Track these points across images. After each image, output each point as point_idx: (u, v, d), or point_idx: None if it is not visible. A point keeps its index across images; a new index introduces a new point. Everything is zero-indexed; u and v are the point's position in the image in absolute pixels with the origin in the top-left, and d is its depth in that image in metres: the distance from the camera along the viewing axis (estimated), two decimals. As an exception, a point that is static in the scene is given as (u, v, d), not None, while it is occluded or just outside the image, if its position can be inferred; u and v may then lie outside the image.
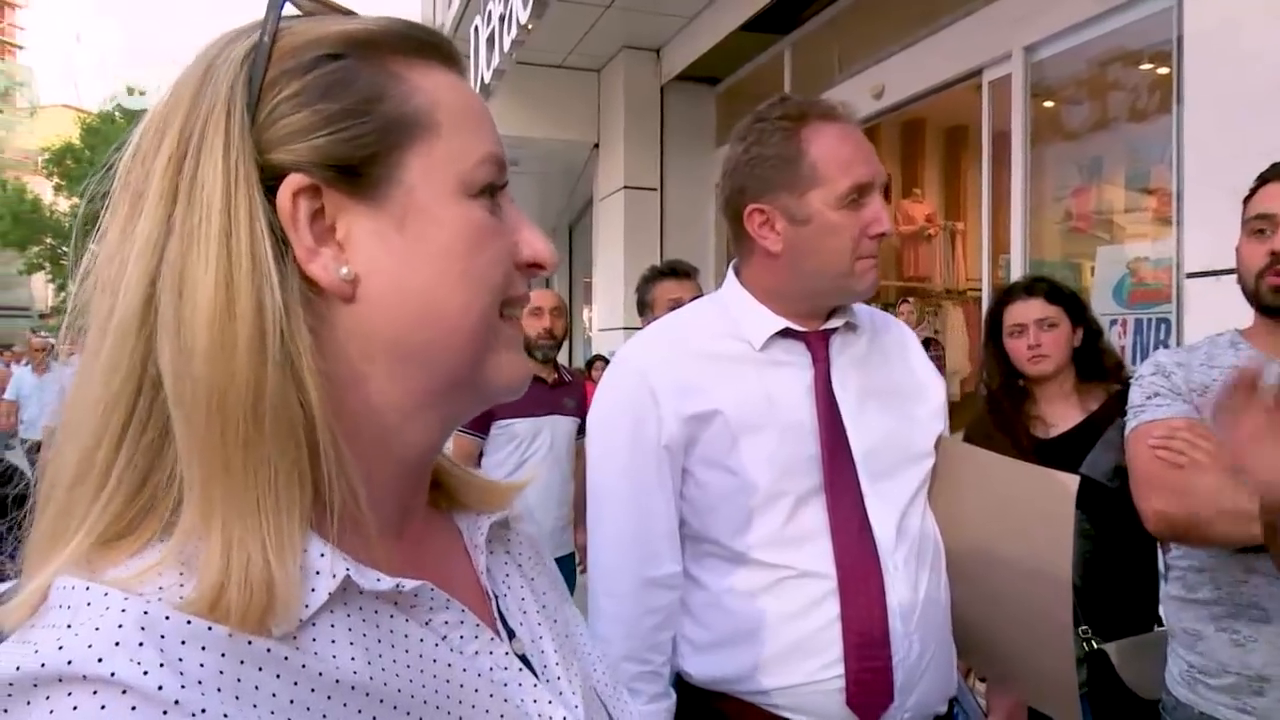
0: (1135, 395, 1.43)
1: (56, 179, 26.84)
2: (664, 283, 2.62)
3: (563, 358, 3.32)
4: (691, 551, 1.16)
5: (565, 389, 3.03)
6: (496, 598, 0.55)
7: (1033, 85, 3.63)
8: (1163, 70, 3.09)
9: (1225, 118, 2.38)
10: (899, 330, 1.29)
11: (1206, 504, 1.25)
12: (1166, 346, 2.88)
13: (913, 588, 1.12)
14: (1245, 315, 1.42)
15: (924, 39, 4.08)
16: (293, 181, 0.44)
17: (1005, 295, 1.99)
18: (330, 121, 0.45)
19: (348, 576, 0.43)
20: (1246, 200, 1.36)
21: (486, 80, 5.04)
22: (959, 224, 6.10)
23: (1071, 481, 1.07)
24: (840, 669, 1.08)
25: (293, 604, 0.41)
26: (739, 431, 1.12)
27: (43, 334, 8.89)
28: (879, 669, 1.08)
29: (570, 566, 3.01)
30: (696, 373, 1.15)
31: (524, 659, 0.53)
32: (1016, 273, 3.58)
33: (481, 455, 2.90)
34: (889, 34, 4.38)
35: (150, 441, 0.42)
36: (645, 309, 2.67)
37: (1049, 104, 3.80)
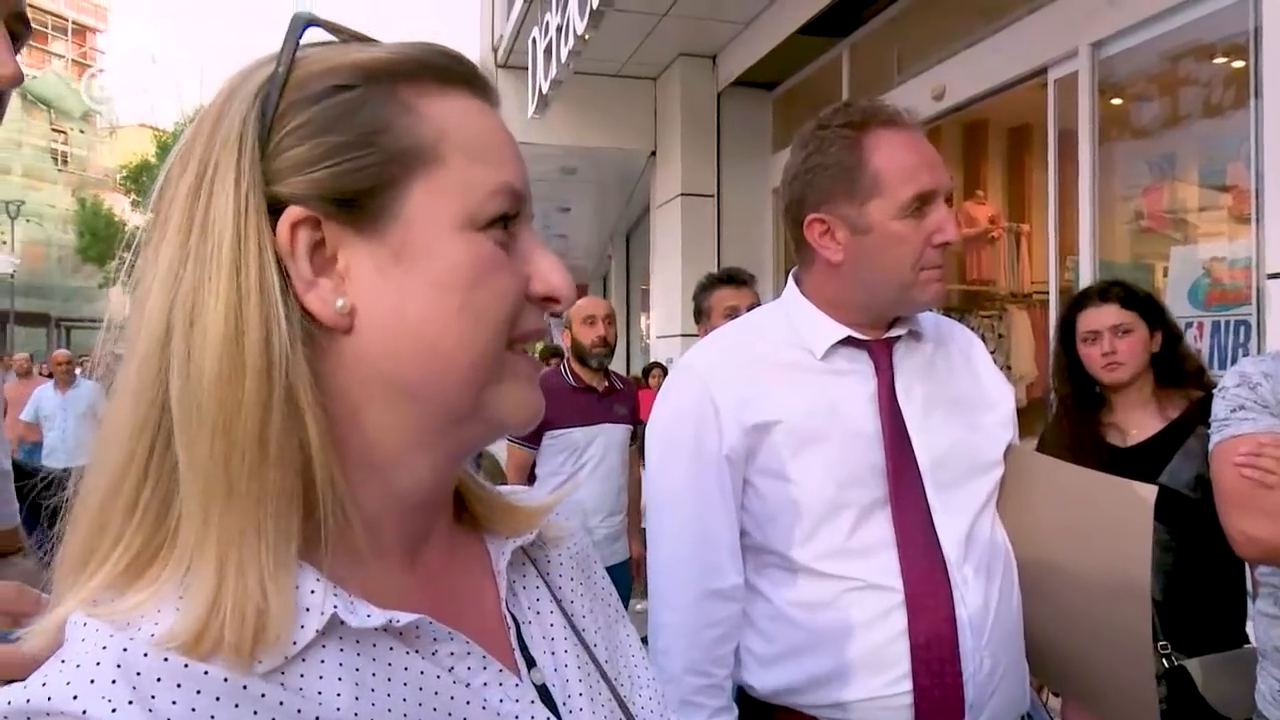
0: (1219, 408, 1.37)
1: (134, 195, 27.94)
2: (721, 290, 2.61)
3: (620, 365, 3.33)
4: (754, 563, 1.15)
5: (617, 396, 3.03)
6: (519, 624, 0.54)
7: (1100, 82, 3.53)
8: (1239, 64, 2.98)
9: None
10: (964, 337, 1.26)
11: None
12: (1246, 350, 2.77)
13: (983, 601, 1.09)
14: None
15: (986, 38, 4.00)
16: (291, 214, 0.45)
17: (1078, 301, 1.93)
18: (331, 154, 0.45)
19: (335, 614, 0.43)
20: None
21: (545, 91, 5.09)
22: (1024, 225, 5.94)
23: (1150, 492, 1.03)
24: (908, 684, 1.06)
25: (283, 636, 0.41)
26: (801, 441, 1.10)
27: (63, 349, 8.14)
28: (949, 685, 1.05)
29: (624, 575, 3.00)
30: (758, 382, 1.14)
31: (544, 689, 0.52)
32: (1085, 274, 3.48)
33: (535, 465, 2.92)
34: (949, 33, 4.30)
35: (173, 468, 0.43)
36: (702, 316, 2.66)
37: (1117, 101, 3.69)
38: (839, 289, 1.14)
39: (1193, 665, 1.60)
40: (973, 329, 5.47)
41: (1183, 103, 3.57)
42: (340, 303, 0.45)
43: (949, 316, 4.89)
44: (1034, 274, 5.87)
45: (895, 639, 1.06)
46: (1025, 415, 3.25)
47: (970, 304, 5.87)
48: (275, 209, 0.45)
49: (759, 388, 1.13)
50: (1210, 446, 1.36)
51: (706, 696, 1.12)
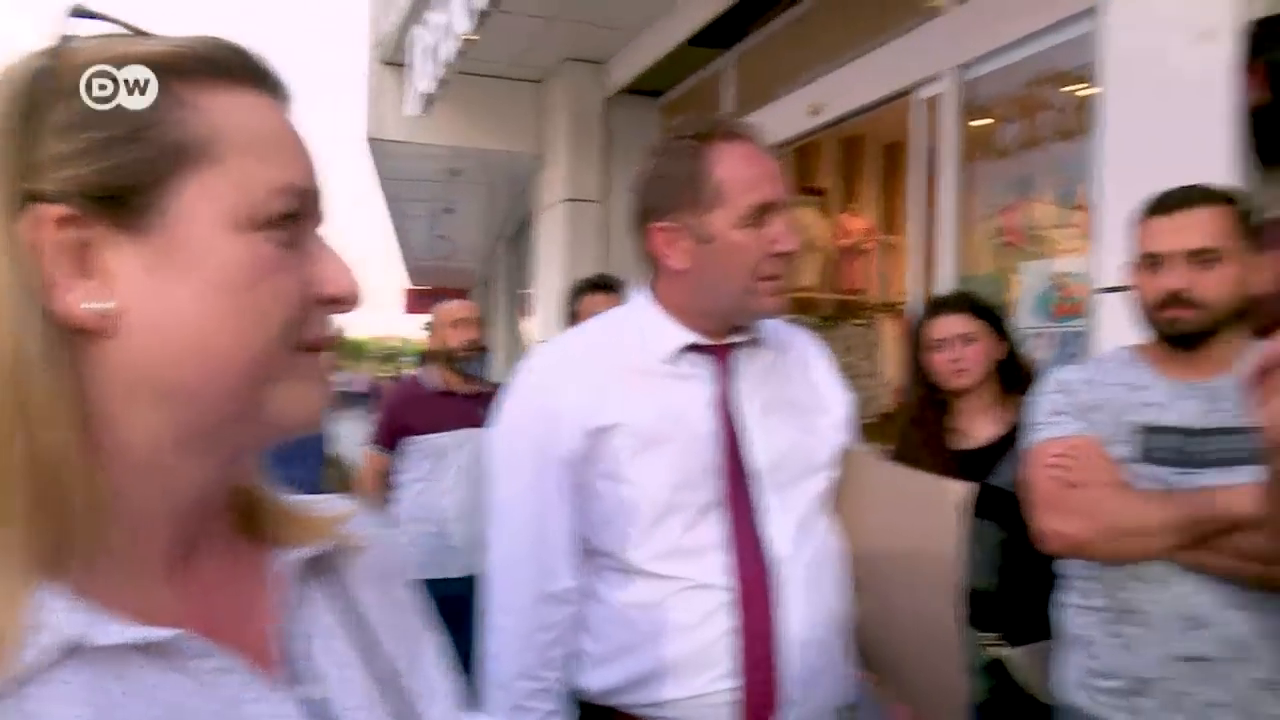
0: (1036, 412, 1.47)
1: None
2: (591, 296, 2.61)
3: (502, 369, 3.29)
4: (589, 565, 1.16)
5: (480, 401, 2.98)
6: (298, 637, 0.52)
7: (966, 104, 3.71)
8: (1086, 91, 3.18)
9: (1142, 139, 2.45)
10: (805, 345, 1.32)
11: (1108, 525, 1.30)
12: (1075, 360, 2.96)
13: (808, 599, 1.13)
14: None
15: (859, 57, 4.15)
16: (45, 212, 0.42)
17: (928, 310, 2.02)
18: (95, 149, 0.43)
19: (77, 632, 0.41)
20: (1137, 225, 1.41)
21: (427, 90, 4.99)
22: (895, 238, 6.20)
23: (960, 489, 1.09)
24: (732, 681, 1.09)
25: (6, 658, 0.39)
26: (641, 445, 1.12)
27: None
28: (768, 681, 1.09)
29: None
30: (601, 386, 1.15)
31: (324, 702, 0.50)
32: (947, 286, 3.65)
33: (396, 470, 2.85)
34: (825, 52, 4.45)
35: None
36: (573, 321, 2.65)
37: (981, 122, 3.89)
38: (684, 296, 1.17)
39: (1010, 654, 1.71)
40: (842, 336, 5.61)
41: (1039, 126, 3.79)
42: (99, 305, 0.43)
43: (826, 324, 5.04)
44: (903, 284, 6.14)
45: (720, 637, 1.10)
46: (894, 419, 3.35)
47: (844, 312, 6.08)
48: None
49: (602, 392, 1.14)
50: (1026, 448, 1.45)
51: (538, 700, 1.13)
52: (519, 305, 9.05)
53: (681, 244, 1.13)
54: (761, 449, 1.15)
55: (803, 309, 5.95)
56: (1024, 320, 3.49)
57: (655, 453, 1.11)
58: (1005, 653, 1.74)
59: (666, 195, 1.13)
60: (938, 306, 2.00)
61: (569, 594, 1.14)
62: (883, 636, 1.24)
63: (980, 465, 1.80)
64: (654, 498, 1.10)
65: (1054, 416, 1.42)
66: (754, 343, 1.21)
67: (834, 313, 6.11)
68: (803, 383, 1.26)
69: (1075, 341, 3.15)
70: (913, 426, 2.01)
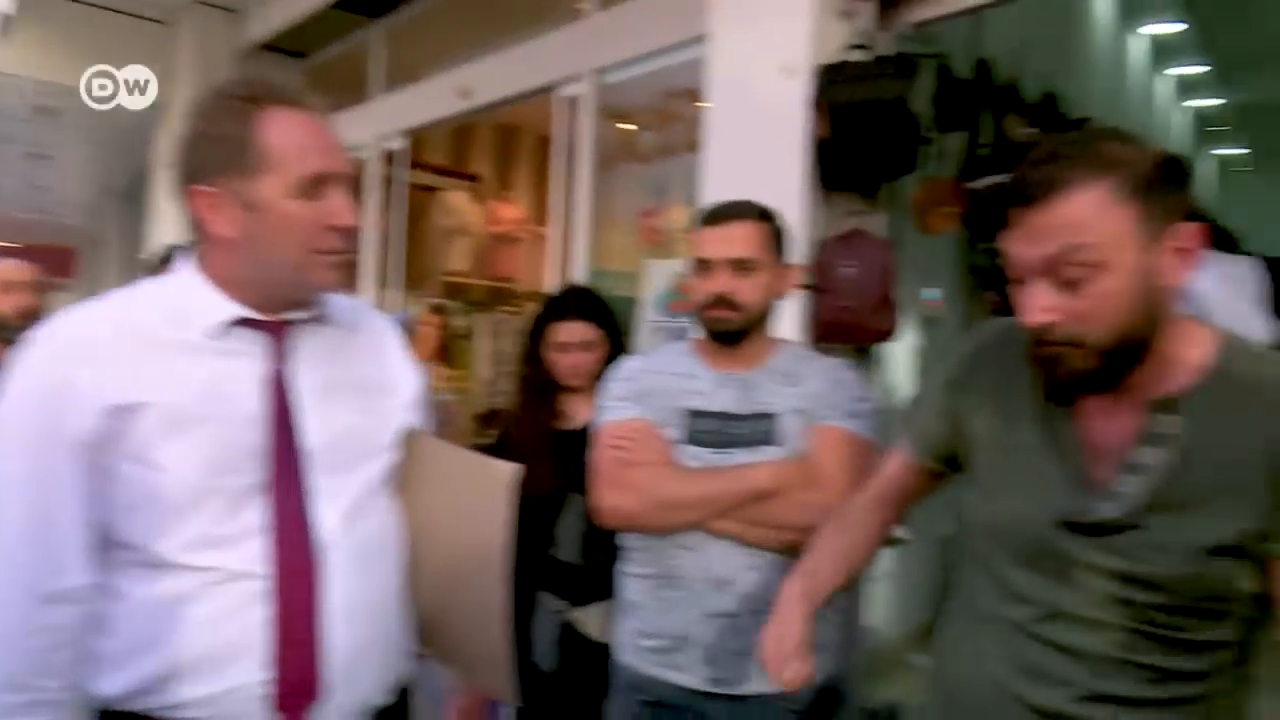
0: (604, 397, 1.59)
1: None
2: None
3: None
4: (109, 559, 1.05)
5: None
6: None
7: (602, 106, 3.90)
8: (701, 106, 3.49)
9: (735, 157, 2.73)
10: (379, 325, 1.29)
11: (655, 499, 1.44)
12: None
13: (356, 584, 1.11)
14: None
15: (507, 48, 4.20)
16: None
17: (552, 311, 2.08)
18: None
19: None
20: (694, 233, 1.57)
21: (4, 10, 4.22)
22: (543, 229, 6.40)
23: (507, 469, 1.14)
24: (265, 674, 1.04)
25: None
26: (173, 425, 1.03)
27: None
28: (306, 670, 1.06)
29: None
30: (128, 360, 1.03)
31: None
32: (581, 280, 3.81)
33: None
34: (475, 38, 4.45)
35: None
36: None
37: (625, 126, 4.12)
38: (233, 266, 1.09)
39: (579, 614, 1.85)
40: (493, 322, 5.61)
41: (666, 135, 4.10)
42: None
43: (478, 311, 4.99)
44: (550, 276, 6.35)
45: (253, 628, 1.04)
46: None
47: (495, 299, 6.15)
48: None
49: (129, 366, 1.03)
50: (594, 431, 1.57)
51: (31, 714, 0.99)
52: (137, 269, 8.02)
53: (227, 211, 1.04)
54: (315, 430, 1.10)
55: (454, 293, 5.93)
56: (650, 314, 3.74)
57: (190, 434, 1.02)
58: (574, 614, 1.88)
59: (210, 157, 1.04)
60: (562, 310, 2.06)
61: (78, 592, 1.01)
62: (439, 613, 1.26)
63: (579, 445, 1.91)
64: (187, 483, 1.01)
65: (617, 401, 1.56)
66: (317, 320, 1.16)
67: (485, 298, 6.15)
68: (372, 363, 1.23)
69: (686, 336, 3.46)
70: (523, 409, 2.08)
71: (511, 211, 6.36)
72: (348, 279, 1.15)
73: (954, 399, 1.18)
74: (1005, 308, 1.10)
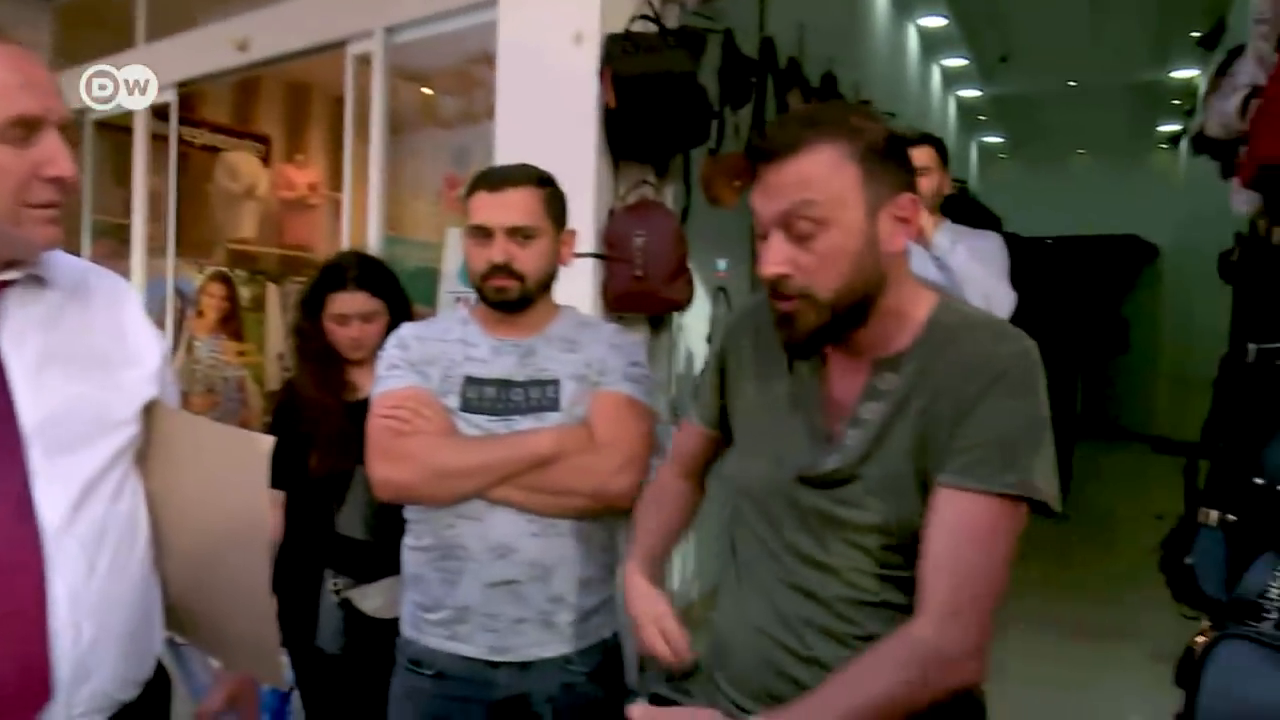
0: (378, 366, 1.54)
1: None
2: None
3: None
4: None
5: None
6: None
7: (396, 67, 3.75)
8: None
9: (526, 124, 2.71)
10: (115, 289, 1.18)
11: (431, 469, 1.42)
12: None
13: (90, 570, 1.02)
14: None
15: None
16: None
17: (330, 280, 1.98)
18: None
19: None
20: (469, 198, 1.53)
21: None
22: (339, 194, 6.10)
23: (264, 440, 1.09)
24: None
25: None
26: None
27: None
28: (32, 669, 0.97)
29: None
30: None
31: None
32: (374, 250, 3.67)
33: None
34: (255, -16, 4.14)
35: None
36: None
37: (411, 87, 3.96)
38: None
39: (357, 592, 1.81)
40: (285, 293, 5.29)
41: (462, 99, 3.99)
42: None
43: (269, 280, 4.69)
44: (351, 242, 6.06)
45: None
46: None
47: (288, 268, 5.81)
48: None
49: None
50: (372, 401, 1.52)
51: None
52: None
53: None
54: (34, 405, 0.99)
55: (241, 262, 5.55)
56: (452, 285, 3.66)
57: None
58: (353, 592, 1.83)
59: None
60: (339, 279, 1.96)
61: None
62: (198, 597, 1.19)
63: (365, 417, 1.84)
64: None
65: (391, 370, 1.51)
66: (35, 281, 1.04)
67: (277, 268, 5.80)
68: (106, 331, 1.12)
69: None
70: (305, 382, 1.99)
71: (304, 176, 6.01)
72: (63, 235, 1.03)
73: (721, 367, 1.25)
74: None
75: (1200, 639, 1.61)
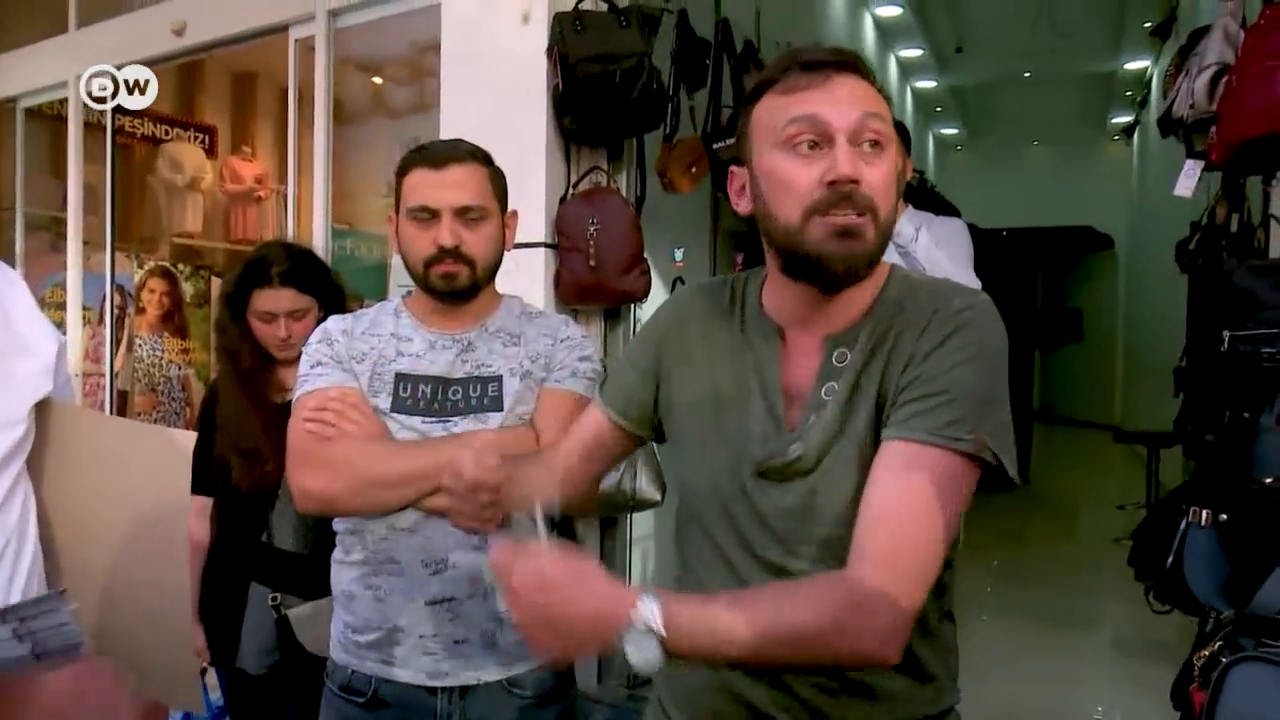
0: (302, 364, 1.41)
1: None
2: None
3: None
4: None
5: None
6: None
7: (343, 56, 3.61)
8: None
9: (471, 108, 2.60)
10: (2, 280, 1.07)
11: (357, 479, 1.28)
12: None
13: None
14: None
15: (227, -20, 3.78)
16: None
17: (254, 275, 1.84)
18: None
19: None
20: (398, 180, 1.39)
21: None
22: (284, 187, 5.92)
23: (186, 437, 0.99)
24: None
25: None
26: None
27: None
28: None
29: None
30: None
31: None
32: (319, 240, 3.53)
33: None
34: (191, -34, 3.96)
35: None
36: None
37: (361, 77, 3.83)
38: None
39: (292, 613, 1.68)
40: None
41: (423, 91, 3.86)
42: None
43: (215, 275, 4.53)
44: (298, 236, 5.88)
45: None
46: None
47: (237, 263, 5.63)
48: None
49: None
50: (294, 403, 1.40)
51: None
52: None
53: None
54: None
55: (186, 257, 5.36)
56: (402, 276, 3.52)
57: None
58: (293, 613, 1.70)
59: None
60: (263, 275, 1.83)
61: None
62: (105, 616, 1.08)
63: (285, 417, 1.73)
64: None
65: (315, 369, 1.37)
66: None
67: (223, 263, 5.61)
68: None
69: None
70: (228, 383, 1.86)
71: (251, 169, 5.82)
72: None
73: (656, 357, 1.13)
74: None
75: (1204, 654, 1.51)
